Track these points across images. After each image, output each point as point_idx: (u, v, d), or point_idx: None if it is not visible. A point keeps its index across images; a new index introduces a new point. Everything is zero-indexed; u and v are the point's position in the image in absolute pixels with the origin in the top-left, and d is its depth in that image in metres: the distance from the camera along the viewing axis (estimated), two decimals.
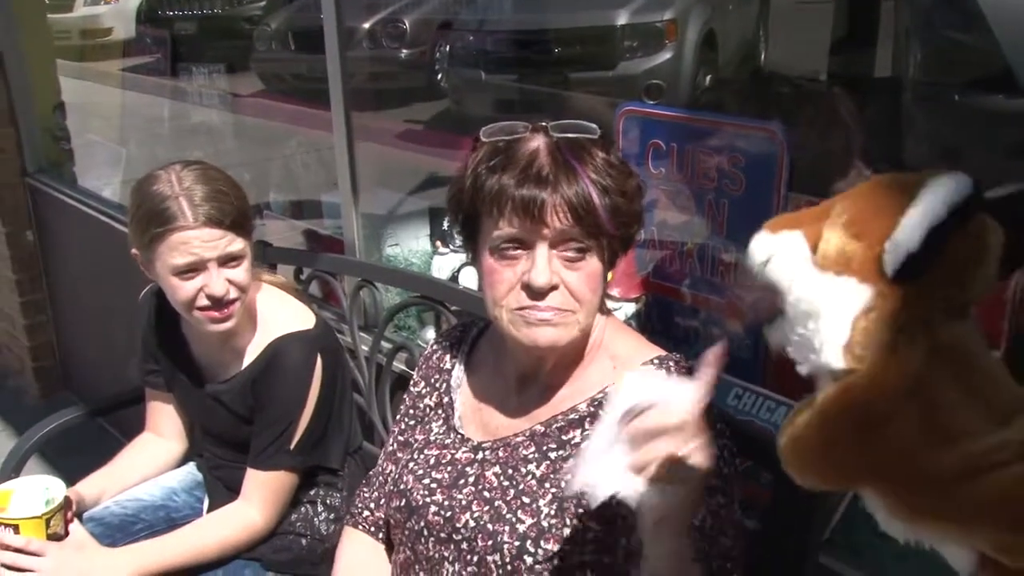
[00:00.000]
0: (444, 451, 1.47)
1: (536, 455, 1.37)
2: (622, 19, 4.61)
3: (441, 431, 1.51)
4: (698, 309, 1.92)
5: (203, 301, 1.79)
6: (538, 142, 1.31)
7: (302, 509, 1.99)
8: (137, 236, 1.79)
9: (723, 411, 1.62)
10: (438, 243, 2.50)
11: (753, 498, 1.59)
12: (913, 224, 0.86)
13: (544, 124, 1.34)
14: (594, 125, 1.35)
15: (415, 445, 1.53)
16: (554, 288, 1.30)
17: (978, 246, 0.89)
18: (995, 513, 0.85)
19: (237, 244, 1.79)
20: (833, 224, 0.93)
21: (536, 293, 1.29)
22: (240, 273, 1.81)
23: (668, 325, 1.97)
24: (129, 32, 6.14)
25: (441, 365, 1.58)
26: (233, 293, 1.80)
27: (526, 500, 1.34)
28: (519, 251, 1.30)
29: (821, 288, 0.92)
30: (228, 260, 1.79)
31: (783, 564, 1.46)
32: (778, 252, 0.97)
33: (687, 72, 4.62)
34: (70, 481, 2.04)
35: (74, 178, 3.98)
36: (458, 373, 1.55)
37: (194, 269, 1.76)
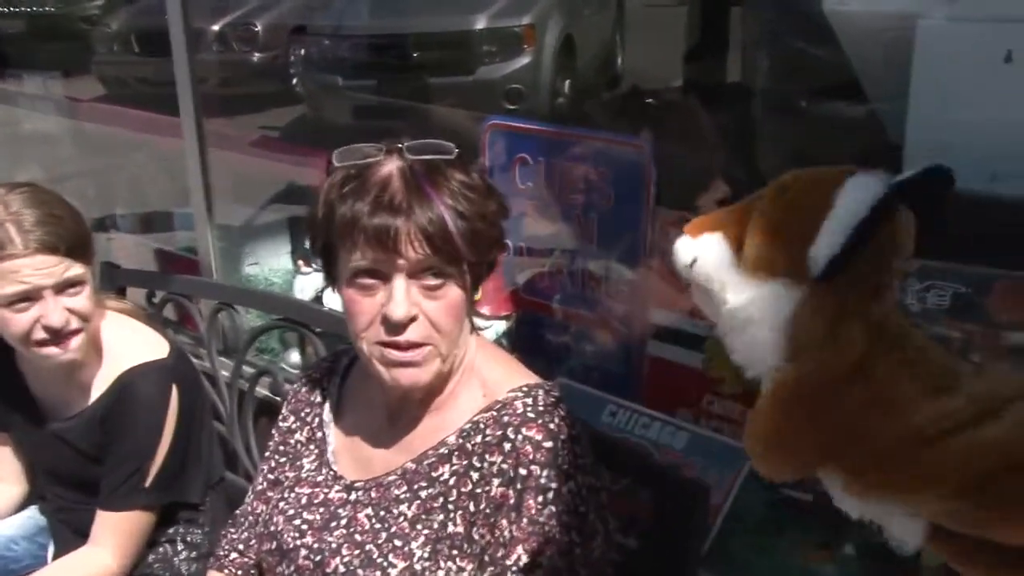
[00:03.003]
0: (316, 490, 1.43)
1: (408, 494, 1.34)
2: (480, 24, 4.62)
3: (313, 467, 1.46)
4: (569, 324, 1.92)
5: (40, 334, 1.67)
6: (391, 166, 1.27)
7: (160, 549, 1.89)
8: None
9: (597, 431, 1.62)
10: (301, 262, 2.42)
11: (633, 516, 1.60)
12: (833, 231, 0.92)
13: (399, 145, 1.29)
14: (450, 144, 1.31)
15: (285, 483, 1.48)
16: (413, 319, 1.27)
17: (895, 237, 0.95)
18: (941, 479, 0.90)
19: (76, 269, 1.68)
20: (754, 228, 0.97)
21: (395, 326, 1.26)
22: (81, 300, 1.70)
23: (539, 341, 1.97)
24: None
25: (311, 398, 1.53)
26: (74, 323, 1.69)
27: (398, 543, 1.30)
28: (376, 281, 1.27)
29: (752, 294, 0.96)
30: (66, 287, 1.67)
31: None
32: (702, 255, 1.02)
33: (546, 77, 4.67)
34: None
35: None
36: (330, 406, 1.50)
37: (28, 299, 1.64)
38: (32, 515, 2.04)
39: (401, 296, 1.25)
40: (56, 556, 1.94)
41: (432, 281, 1.26)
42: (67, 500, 1.91)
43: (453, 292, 1.28)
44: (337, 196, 1.28)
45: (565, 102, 4.69)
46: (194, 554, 1.90)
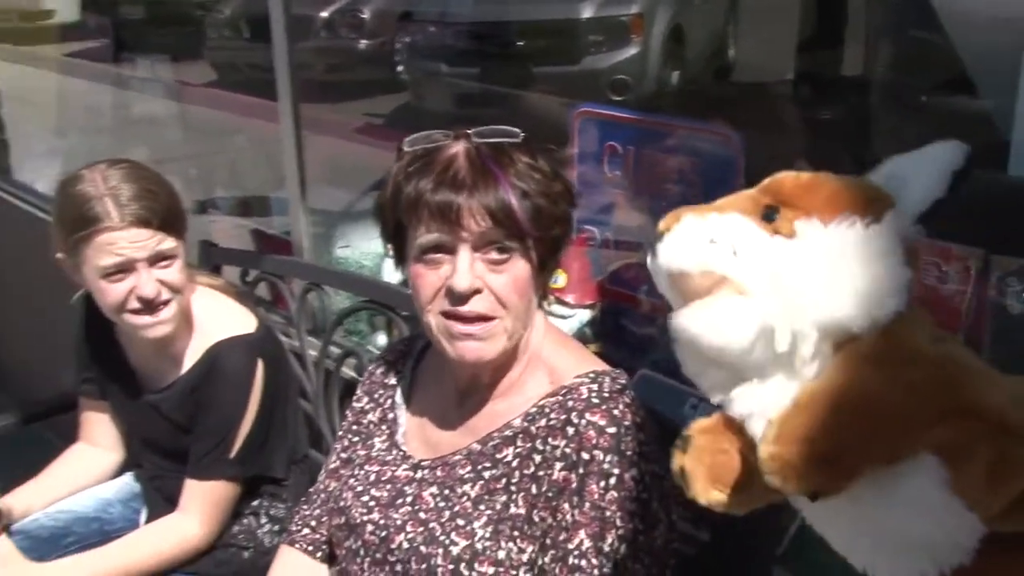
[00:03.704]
0: (385, 468, 1.45)
1: (471, 474, 1.35)
2: (587, 12, 4.57)
3: (383, 447, 1.49)
4: (655, 316, 1.88)
5: (134, 304, 1.72)
6: (458, 148, 1.30)
7: (244, 521, 1.93)
8: (62, 239, 1.72)
9: (676, 424, 1.58)
10: (389, 246, 2.43)
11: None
12: (934, 170, 0.90)
13: (467, 131, 1.32)
14: (517, 129, 1.33)
15: (357, 461, 1.51)
16: (478, 292, 1.27)
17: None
18: None
19: (168, 243, 1.73)
20: (811, 184, 0.92)
21: (459, 298, 1.27)
22: (172, 273, 1.74)
23: (624, 333, 1.93)
24: (72, 15, 5.94)
25: (385, 380, 1.55)
26: (165, 294, 1.74)
27: (460, 522, 1.31)
28: (442, 255, 1.28)
29: (823, 242, 0.88)
30: (159, 259, 1.72)
31: None
32: (723, 231, 0.92)
33: (653, 68, 4.58)
34: (4, 490, 1.97)
35: (9, 170, 3.84)
36: (403, 388, 1.52)
37: (123, 270, 1.70)
38: (128, 481, 2.11)
39: (465, 267, 1.25)
40: (148, 520, 2.00)
41: (496, 255, 1.27)
42: (160, 468, 1.97)
43: (518, 267, 1.29)
44: (403, 176, 1.30)
45: (673, 92, 4.60)
46: (277, 527, 1.93)
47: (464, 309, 1.27)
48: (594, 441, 1.24)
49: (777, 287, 0.88)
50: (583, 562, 1.22)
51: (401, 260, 1.39)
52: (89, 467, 2.07)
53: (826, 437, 0.85)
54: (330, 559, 1.54)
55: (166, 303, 1.74)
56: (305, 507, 1.60)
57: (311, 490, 1.62)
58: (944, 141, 0.90)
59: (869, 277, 0.86)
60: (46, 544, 1.91)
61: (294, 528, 1.59)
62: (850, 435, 0.85)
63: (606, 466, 1.23)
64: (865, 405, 0.85)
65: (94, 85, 4.61)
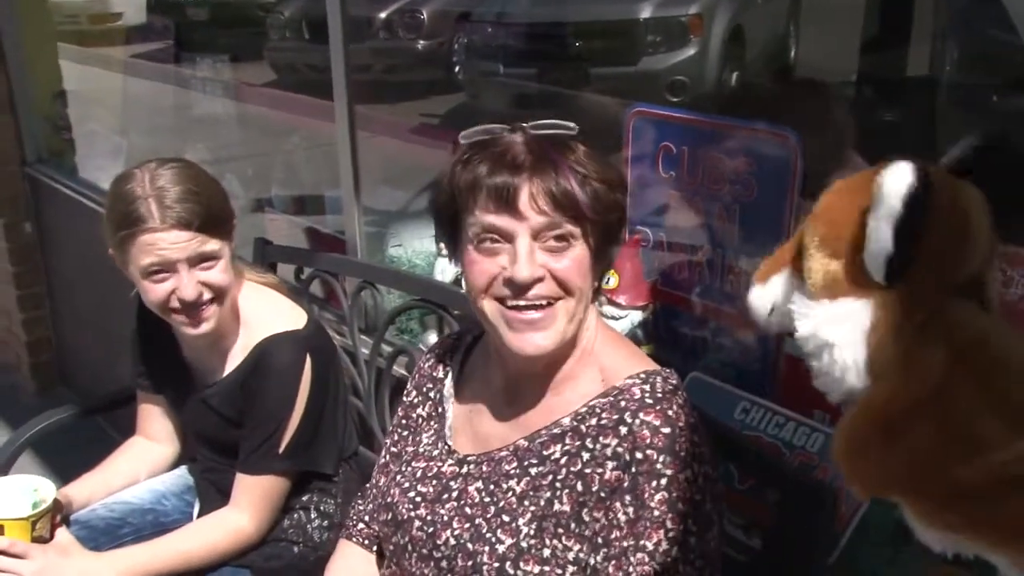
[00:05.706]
0: (431, 463, 1.45)
1: (517, 470, 1.34)
2: (645, 13, 4.52)
3: (430, 442, 1.49)
4: (707, 319, 1.85)
5: (175, 304, 1.74)
6: (515, 137, 1.30)
7: (295, 516, 1.94)
8: (110, 236, 1.75)
9: (726, 428, 1.56)
10: (442, 245, 2.43)
11: (758, 516, 1.53)
12: (880, 226, 0.85)
13: (522, 124, 1.32)
14: (572, 123, 1.32)
15: (405, 457, 1.52)
16: (539, 281, 1.26)
17: (955, 215, 0.88)
18: None
19: (211, 244, 1.73)
20: (809, 251, 0.94)
21: (520, 288, 1.26)
22: (215, 274, 1.75)
23: (676, 335, 1.90)
24: (139, 18, 6.08)
25: (434, 374, 1.55)
26: (207, 295, 1.75)
27: (506, 519, 1.31)
28: (499, 243, 1.27)
29: (823, 318, 0.91)
30: (201, 260, 1.73)
31: None
32: (775, 300, 1.00)
33: (712, 69, 4.52)
34: (64, 480, 2.01)
35: (75, 169, 3.89)
36: (451, 382, 1.52)
37: (164, 270, 1.71)
38: (182, 474, 2.14)
39: (525, 255, 1.25)
40: (201, 513, 2.02)
41: (556, 243, 1.26)
42: (213, 461, 1.99)
43: (579, 250, 1.28)
44: (460, 165, 1.30)
45: (730, 93, 4.53)
46: (326, 523, 1.94)
47: (529, 295, 1.26)
48: (648, 440, 1.23)
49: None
50: (633, 559, 1.21)
51: (454, 250, 1.38)
52: (144, 460, 2.10)
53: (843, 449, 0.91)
54: (382, 555, 1.54)
55: (208, 304, 1.75)
56: (360, 502, 1.62)
57: (367, 485, 1.64)
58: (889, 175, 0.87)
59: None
60: (103, 535, 1.94)
61: (350, 523, 1.61)
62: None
63: (659, 466, 1.22)
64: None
65: (157, 85, 4.69)
